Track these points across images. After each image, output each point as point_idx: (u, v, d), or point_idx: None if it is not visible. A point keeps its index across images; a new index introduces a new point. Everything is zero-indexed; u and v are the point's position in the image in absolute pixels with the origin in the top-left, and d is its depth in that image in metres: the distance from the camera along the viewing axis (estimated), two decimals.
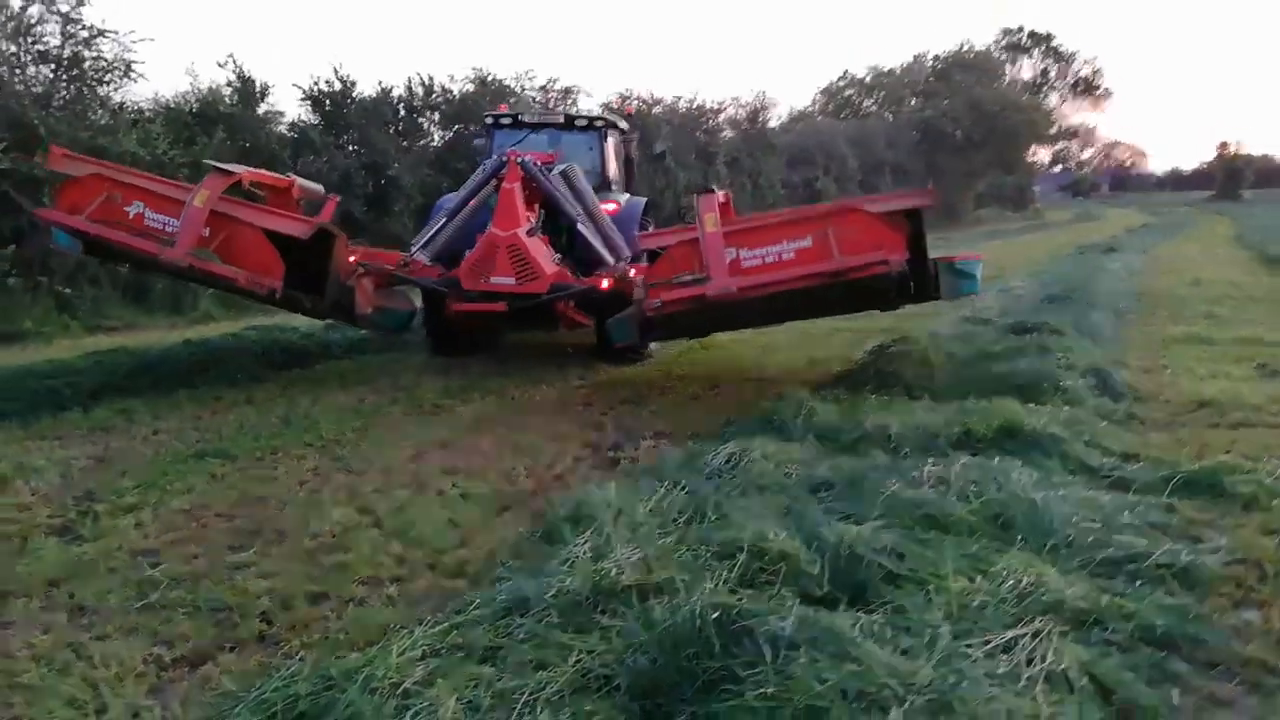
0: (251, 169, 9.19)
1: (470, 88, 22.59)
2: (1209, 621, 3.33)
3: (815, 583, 3.32)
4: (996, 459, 4.87)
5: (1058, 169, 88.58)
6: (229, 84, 16.64)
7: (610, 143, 10.85)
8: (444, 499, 5.01)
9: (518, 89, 23.88)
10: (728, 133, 34.37)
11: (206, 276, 8.25)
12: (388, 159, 18.64)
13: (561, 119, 10.93)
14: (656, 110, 30.60)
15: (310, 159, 17.13)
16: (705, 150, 31.34)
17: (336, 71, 19.12)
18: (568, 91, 25.10)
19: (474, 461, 5.79)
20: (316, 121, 18.77)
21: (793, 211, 8.99)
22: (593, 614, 3.11)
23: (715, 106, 34.22)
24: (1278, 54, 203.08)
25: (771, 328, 9.91)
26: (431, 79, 21.47)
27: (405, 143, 21.26)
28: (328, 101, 18.99)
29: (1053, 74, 66.74)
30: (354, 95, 19.52)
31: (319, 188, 10.12)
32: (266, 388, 8.16)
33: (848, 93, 54.05)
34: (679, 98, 32.30)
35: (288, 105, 21.29)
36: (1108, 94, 68.62)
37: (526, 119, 10.82)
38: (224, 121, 15.71)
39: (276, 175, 9.67)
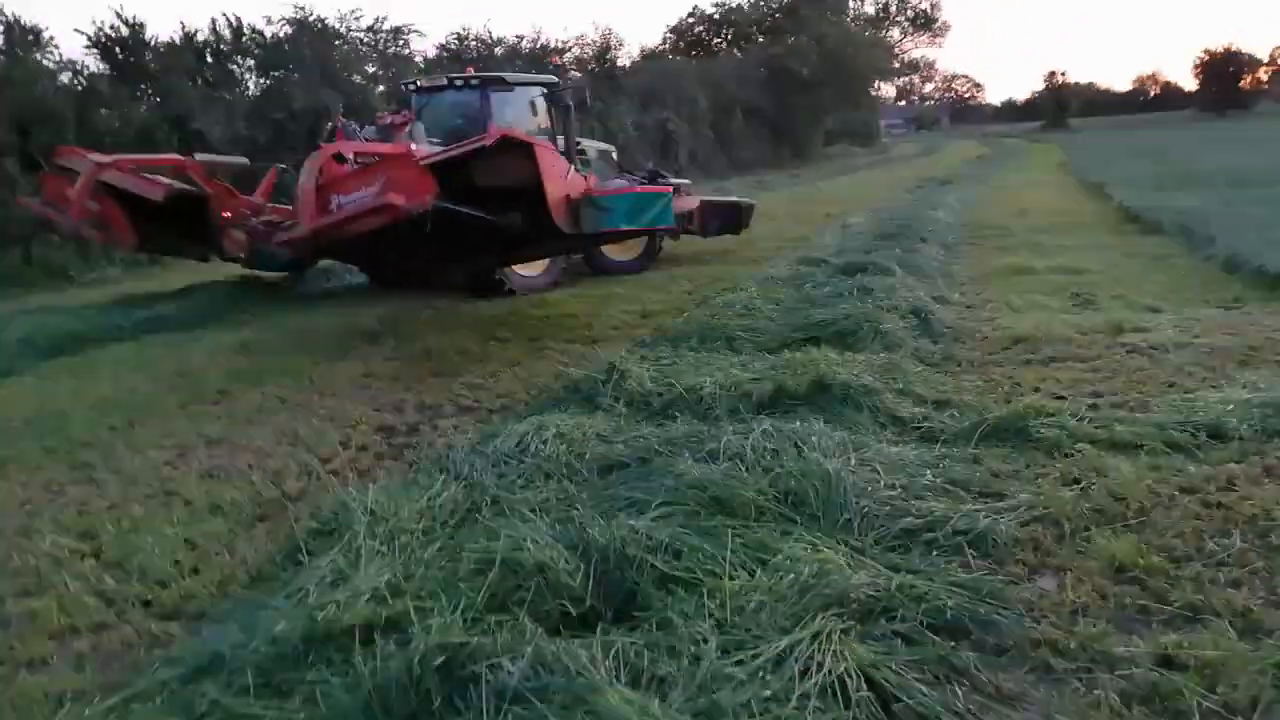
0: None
1: (289, 29, 20.94)
2: (1002, 597, 3.10)
3: (576, 596, 2.90)
4: (800, 421, 4.57)
5: (902, 103, 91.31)
6: None
7: (494, 98, 11.56)
8: (189, 511, 4.35)
9: (343, 29, 22.34)
10: (574, 74, 33.41)
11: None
12: (192, 111, 17.00)
13: (444, 82, 12.11)
14: (498, 50, 29.40)
15: (102, 113, 15.38)
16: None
17: (119, 14, 17.21)
18: (398, 31, 23.69)
19: (241, 460, 5.12)
20: (105, 71, 16.89)
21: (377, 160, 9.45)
22: (302, 667, 2.59)
23: (560, 45, 33.25)
24: None
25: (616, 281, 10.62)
26: (240, 19, 19.74)
27: (218, 93, 19.56)
28: (118, 49, 17.11)
29: (893, 8, 68.19)
30: (148, 40, 17.67)
31: (236, 159, 12.02)
32: (20, 382, 7.15)
33: (697, 29, 53.57)
34: (520, 37, 31.12)
35: (74, 54, 18.91)
36: (946, 27, 70.85)
37: (423, 84, 12.40)
38: None
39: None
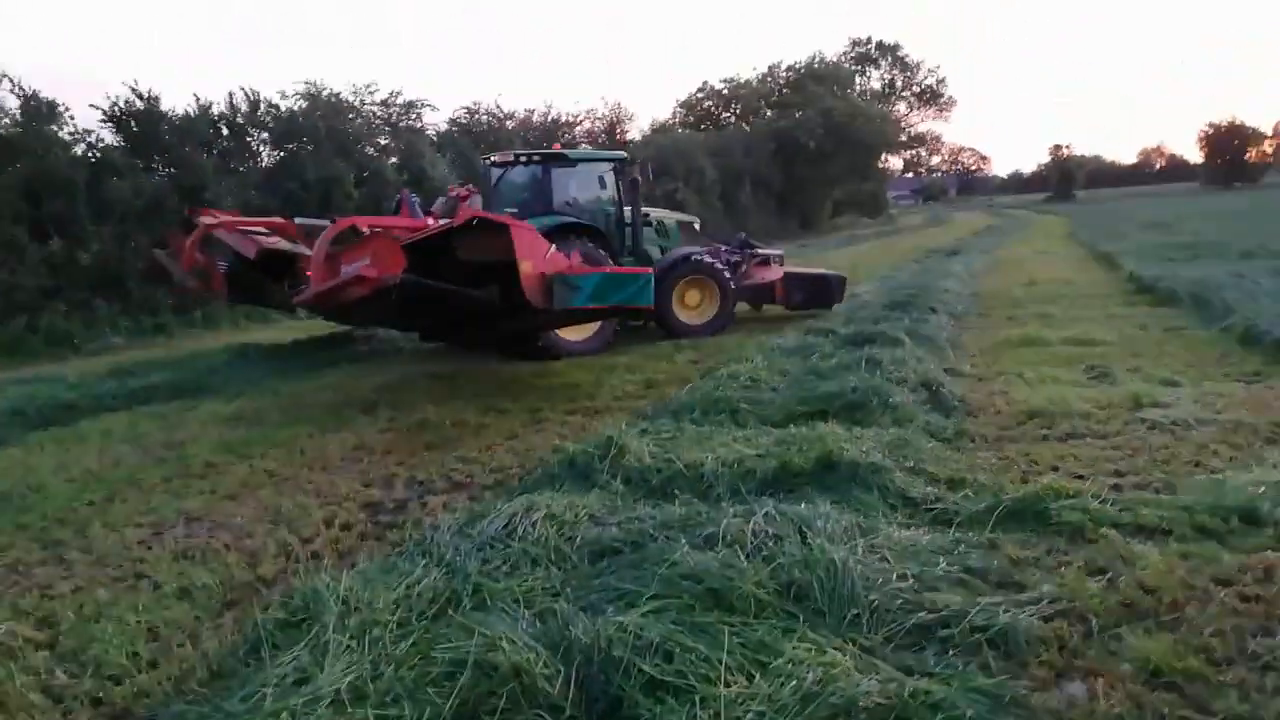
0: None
1: (303, 103, 21.25)
2: (1027, 706, 2.82)
3: (556, 705, 2.63)
4: (805, 503, 4.33)
5: (910, 175, 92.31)
6: (10, 105, 14.92)
7: (555, 173, 11.94)
8: (156, 596, 4.09)
9: (357, 103, 22.66)
10: (586, 146, 33.86)
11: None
12: (204, 181, 17.14)
13: (511, 158, 12.64)
14: (509, 124, 29.84)
15: (113, 182, 15.48)
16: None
17: (134, 88, 17.48)
18: (411, 105, 24.01)
19: (219, 539, 4.88)
20: (119, 143, 17.08)
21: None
22: None
23: (571, 119, 33.75)
24: (1105, 61, 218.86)
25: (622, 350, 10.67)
26: (258, 94, 20.05)
27: (233, 164, 19.79)
28: (133, 121, 17.34)
29: (899, 83, 69.41)
30: (164, 113, 17.91)
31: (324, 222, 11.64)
32: (4, 454, 6.96)
33: (706, 104, 54.48)
34: (531, 111, 31.60)
35: (91, 127, 19.19)
36: (952, 102, 71.79)
37: (496, 159, 12.91)
38: (3, 146, 14.01)
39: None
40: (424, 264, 8.30)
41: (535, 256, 8.09)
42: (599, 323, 11.24)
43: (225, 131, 19.64)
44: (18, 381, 9.32)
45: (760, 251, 14.33)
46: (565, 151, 13.11)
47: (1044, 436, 6.21)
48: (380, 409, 8.39)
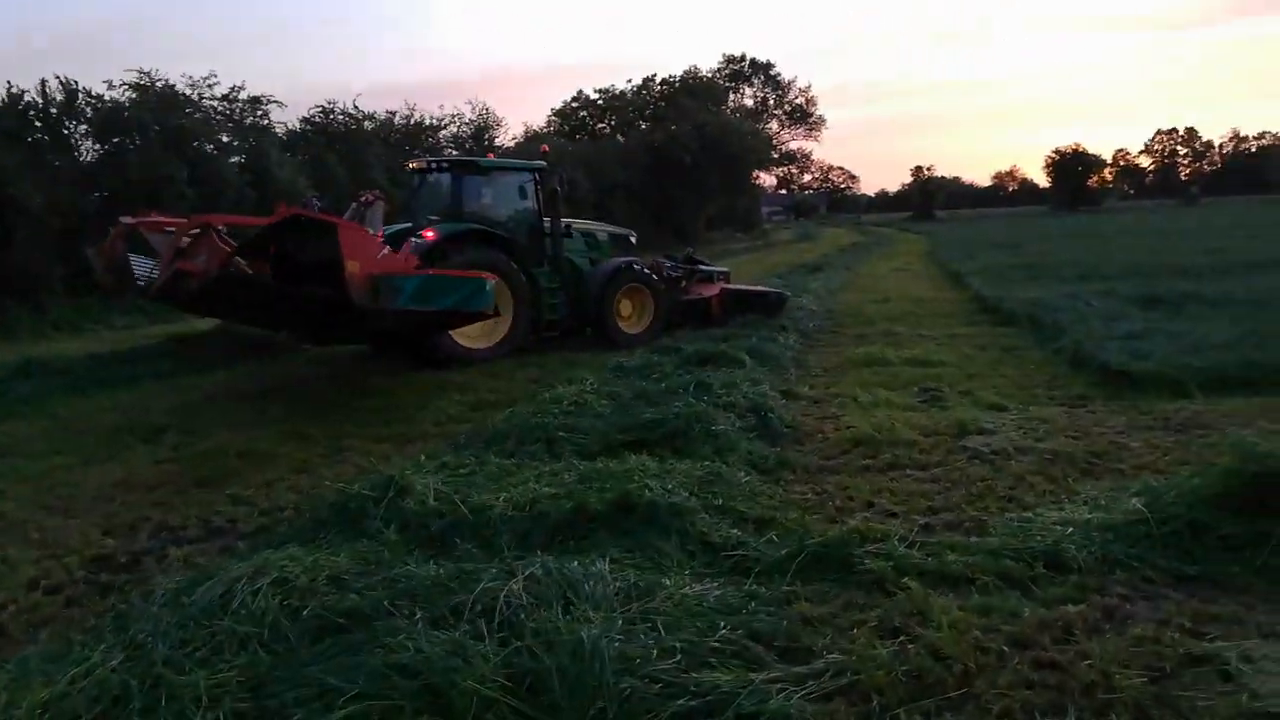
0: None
1: (131, 95, 19.62)
2: None
3: None
4: (589, 557, 3.83)
5: (783, 191, 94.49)
6: None
7: (466, 181, 11.75)
8: None
9: (195, 97, 21.11)
10: (451, 150, 32.86)
11: None
12: (8, 175, 15.50)
13: (426, 165, 12.38)
14: (367, 125, 28.58)
15: None
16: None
17: None
18: (256, 101, 22.58)
19: None
20: None
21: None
22: None
23: (435, 123, 32.71)
24: (966, 87, 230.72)
25: (456, 369, 10.20)
26: (75, 83, 18.35)
27: (50, 158, 18.05)
28: None
29: (771, 101, 70.91)
30: None
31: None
32: None
33: (581, 114, 54.16)
34: (393, 113, 30.42)
35: None
36: (821, 121, 73.82)
37: (413, 165, 12.62)
38: None
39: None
40: (278, 264, 8.23)
41: (364, 257, 7.96)
42: (506, 328, 11.05)
43: (37, 123, 17.91)
44: None
45: (704, 268, 14.37)
46: (477, 159, 13.02)
47: (866, 467, 5.94)
48: (167, 435, 7.51)
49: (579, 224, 13.41)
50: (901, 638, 3.40)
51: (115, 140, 19.11)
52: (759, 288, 15.14)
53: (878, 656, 3.24)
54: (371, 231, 10.04)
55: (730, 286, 14.16)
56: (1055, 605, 3.72)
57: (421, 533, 4.53)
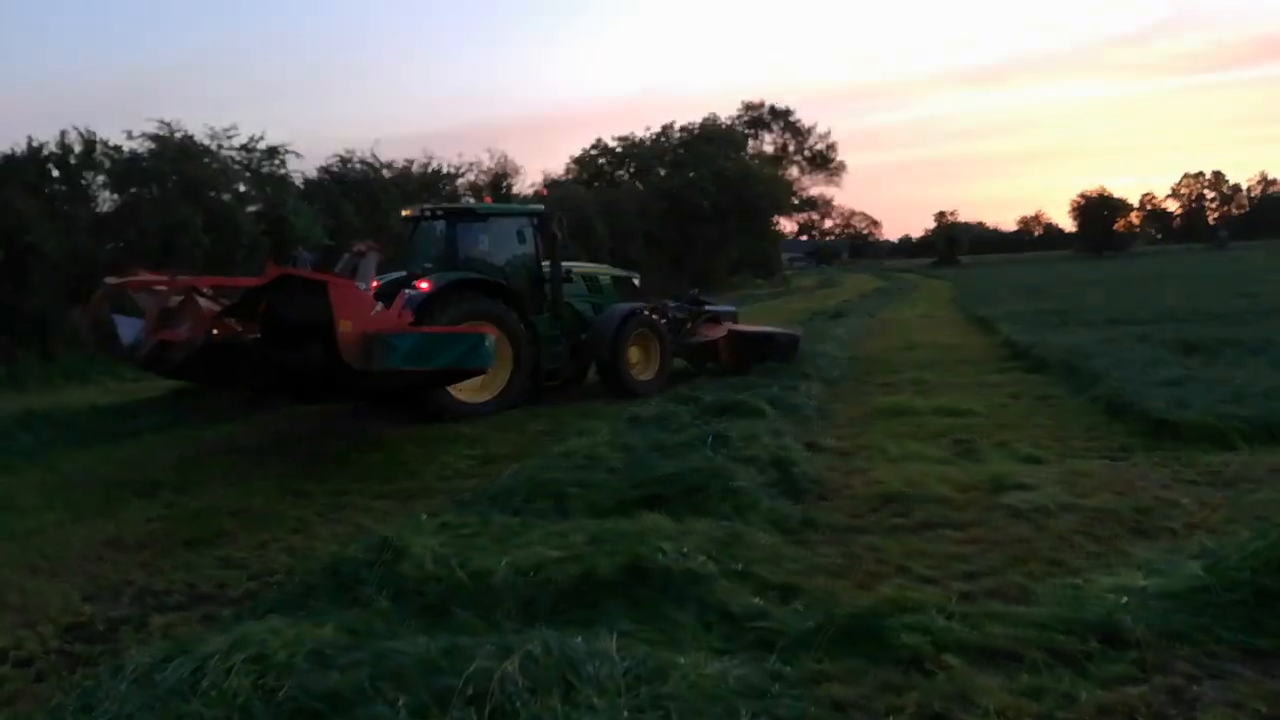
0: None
1: (150, 145, 19.78)
2: None
3: None
4: (592, 631, 3.49)
5: (804, 238, 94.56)
6: None
7: (461, 229, 11.44)
8: None
9: (214, 147, 21.27)
10: (468, 199, 33.01)
11: None
12: (26, 224, 15.55)
13: (418, 213, 12.02)
14: (385, 173, 28.76)
15: None
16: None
17: None
18: (273, 151, 22.71)
19: None
20: None
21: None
22: None
23: (454, 170, 32.90)
24: (989, 130, 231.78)
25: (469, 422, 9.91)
26: (93, 134, 18.53)
27: (67, 207, 18.15)
28: None
29: (791, 148, 71.16)
30: None
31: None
32: None
33: (599, 161, 54.48)
34: (410, 161, 30.61)
35: None
36: (842, 167, 73.80)
37: (407, 213, 12.37)
38: None
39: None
40: (269, 324, 7.84)
41: (357, 315, 7.68)
42: (505, 380, 10.63)
43: (55, 173, 18.06)
44: None
45: (710, 308, 13.78)
46: (474, 205, 12.85)
47: (897, 526, 5.56)
48: (162, 491, 7.25)
49: (580, 267, 13.02)
50: None
51: (133, 190, 19.25)
52: (768, 329, 14.48)
53: None
54: (364, 284, 9.67)
55: (738, 328, 13.58)
56: (1114, 686, 3.34)
57: (417, 600, 4.21)
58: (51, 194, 17.59)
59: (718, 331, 13.11)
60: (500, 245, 11.71)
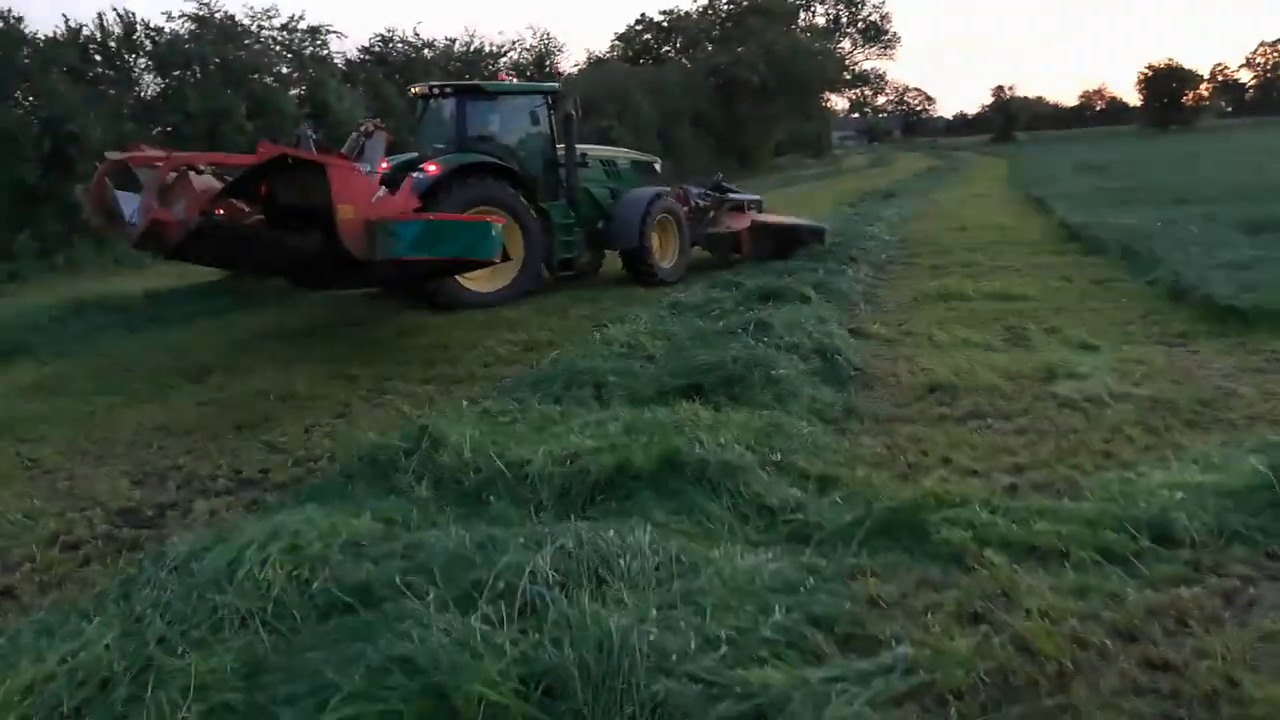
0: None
1: (191, 26, 19.43)
2: None
3: None
4: (625, 522, 3.46)
5: (855, 115, 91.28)
6: None
7: (470, 107, 10.89)
8: None
9: (253, 28, 20.85)
10: (511, 78, 32.17)
11: None
12: (69, 112, 15.48)
13: (427, 90, 11.54)
14: (427, 53, 28.08)
15: None
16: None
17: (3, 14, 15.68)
18: (315, 31, 22.20)
19: None
20: None
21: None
22: None
23: (496, 49, 31.99)
24: (1050, 3, 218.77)
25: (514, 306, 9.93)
26: (133, 15, 18.20)
27: (112, 91, 18.03)
28: None
29: (844, 19, 67.81)
30: (26, 36, 16.11)
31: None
32: None
33: (644, 38, 52.57)
34: (452, 40, 29.79)
35: None
36: (896, 39, 70.25)
37: (416, 90, 11.97)
38: None
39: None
40: (271, 207, 7.64)
41: (357, 200, 7.43)
42: (516, 270, 10.22)
43: (98, 58, 17.86)
44: None
45: (735, 196, 13.09)
46: (482, 83, 12.00)
47: (942, 416, 5.42)
48: (213, 375, 7.36)
49: (596, 151, 12.40)
50: (984, 627, 2.96)
51: (175, 74, 19.02)
52: (795, 220, 13.77)
53: (956, 650, 2.81)
54: (370, 166, 9.16)
55: (762, 219, 12.91)
56: (1165, 587, 3.23)
57: (454, 489, 4.22)
58: (94, 78, 17.40)
59: (741, 221, 12.60)
60: (512, 126, 11.17)
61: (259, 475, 4.94)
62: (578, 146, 11.47)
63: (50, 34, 16.94)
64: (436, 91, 11.30)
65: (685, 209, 12.17)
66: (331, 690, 2.38)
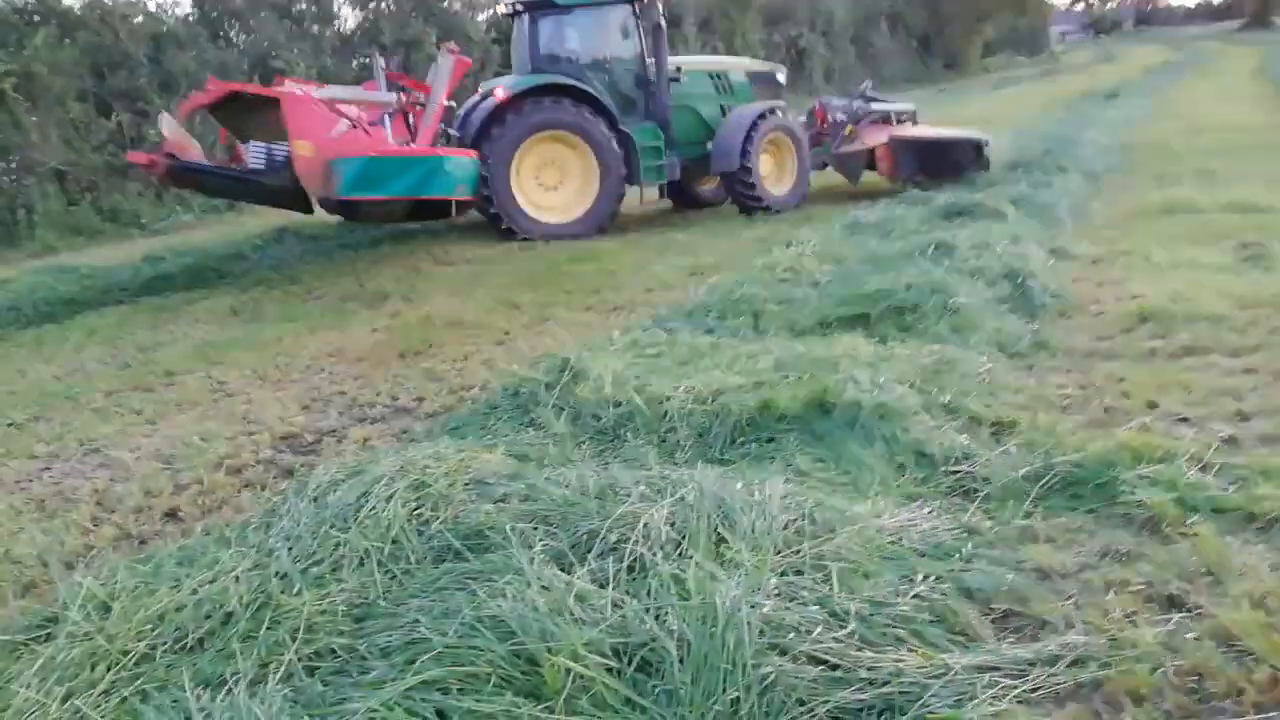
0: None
1: None
2: None
3: None
4: (764, 464, 3.18)
5: (1079, 6, 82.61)
6: None
7: (544, 23, 10.24)
8: None
9: None
10: None
11: None
12: (274, 49, 16.40)
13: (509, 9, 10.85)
14: None
15: (176, 53, 14.92)
16: (669, 9, 28.41)
17: None
18: None
19: (91, 482, 4.18)
20: (189, 12, 16.50)
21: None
22: None
23: None
24: None
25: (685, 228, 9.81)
26: None
27: (315, 28, 18.97)
28: None
29: None
30: None
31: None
32: None
33: None
34: None
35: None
36: None
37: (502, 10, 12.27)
38: (58, 19, 13.57)
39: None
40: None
41: (315, 135, 7.50)
42: (591, 200, 9.70)
43: None
44: (38, 271, 8.98)
45: (879, 108, 11.38)
46: None
47: (1152, 351, 4.71)
48: (389, 301, 7.59)
49: (702, 63, 11.34)
50: (1178, 614, 2.47)
51: (371, 5, 19.72)
52: (943, 133, 11.52)
53: (1140, 641, 2.36)
54: (437, 91, 8.75)
55: (901, 133, 11.10)
56: None
57: (592, 425, 4.06)
58: (298, 15, 18.30)
59: (878, 137, 10.99)
60: (590, 42, 10.31)
61: (414, 403, 5.00)
62: (681, 59, 10.68)
63: None
64: (516, 8, 10.47)
65: (817, 126, 11.10)
66: (424, 646, 2.28)
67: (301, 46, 17.34)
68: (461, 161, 8.11)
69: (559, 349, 5.33)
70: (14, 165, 12.30)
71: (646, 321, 5.98)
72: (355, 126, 8.08)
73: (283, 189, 7.92)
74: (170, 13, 16.11)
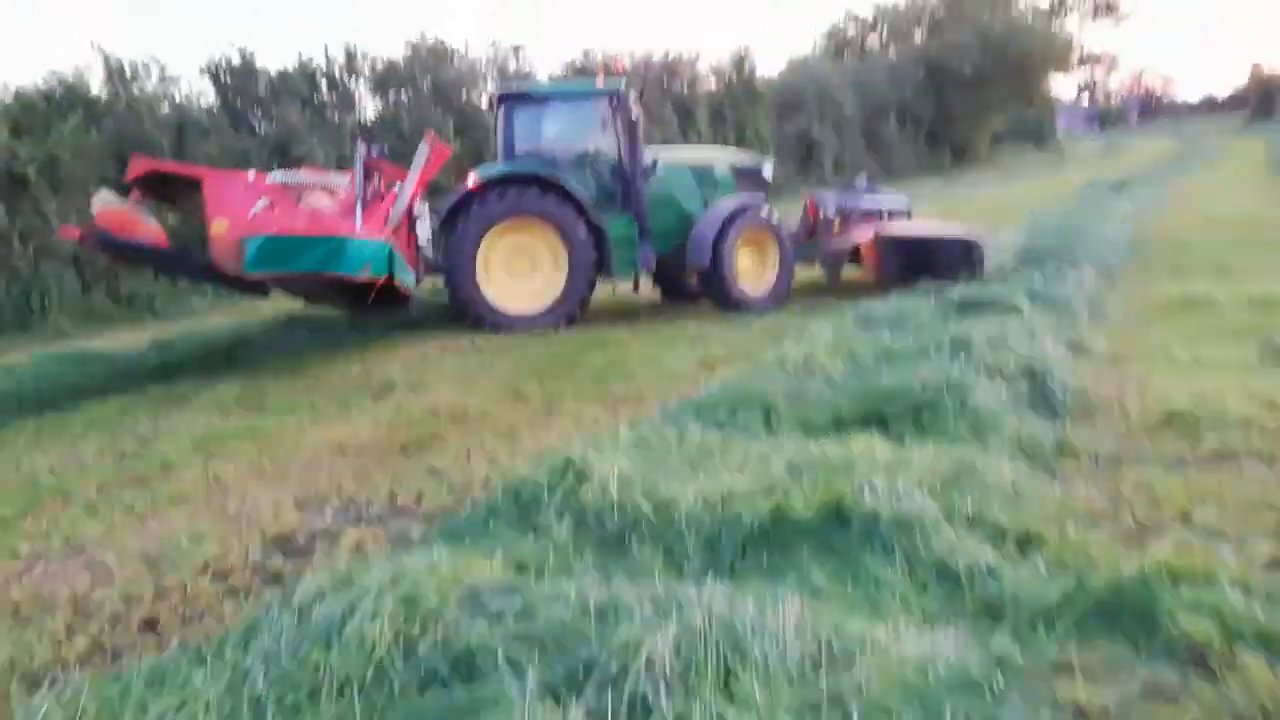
0: None
1: (408, 53, 20.67)
2: None
3: None
4: (752, 600, 2.93)
5: (1085, 103, 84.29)
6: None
7: (517, 115, 10.38)
8: None
9: (462, 49, 21.87)
10: (711, 82, 31.92)
11: None
12: (295, 136, 16.75)
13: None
14: (626, 63, 28.35)
15: (195, 142, 15.24)
16: (683, 103, 29.09)
17: (240, 51, 17.35)
18: (517, 49, 22.95)
19: (69, 586, 3.98)
20: (213, 102, 16.92)
21: None
22: None
23: (694, 57, 31.88)
24: None
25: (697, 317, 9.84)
26: (354, 46, 19.57)
27: (336, 116, 19.43)
28: (226, 78, 17.14)
29: None
30: (259, 70, 17.67)
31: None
32: None
33: (850, 34, 50.88)
34: (651, 54, 29.99)
35: (192, 87, 19.96)
36: (1129, 14, 64.26)
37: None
38: (85, 107, 13.90)
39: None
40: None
41: (233, 214, 7.65)
42: (560, 290, 9.62)
43: (324, 85, 19.27)
44: (45, 357, 8.92)
45: (866, 203, 11.06)
46: (529, 88, 11.21)
47: (1181, 458, 4.52)
48: (395, 391, 7.47)
49: (680, 156, 11.10)
50: None
51: (391, 93, 20.23)
52: (937, 232, 11.02)
53: None
54: (412, 176, 8.76)
55: (889, 230, 10.69)
56: None
57: (596, 531, 3.88)
58: (320, 104, 18.77)
59: (866, 233, 10.61)
60: (566, 133, 10.35)
61: (412, 502, 4.83)
62: (664, 151, 10.66)
63: (284, 68, 18.44)
64: (493, 100, 10.65)
65: (810, 222, 10.83)
66: None
67: (321, 134, 17.71)
68: (369, 243, 8.00)
69: (564, 444, 5.17)
70: (32, 251, 12.41)
71: (655, 416, 5.83)
72: (311, 207, 8.26)
73: (205, 266, 8.11)
74: (196, 102, 16.53)
